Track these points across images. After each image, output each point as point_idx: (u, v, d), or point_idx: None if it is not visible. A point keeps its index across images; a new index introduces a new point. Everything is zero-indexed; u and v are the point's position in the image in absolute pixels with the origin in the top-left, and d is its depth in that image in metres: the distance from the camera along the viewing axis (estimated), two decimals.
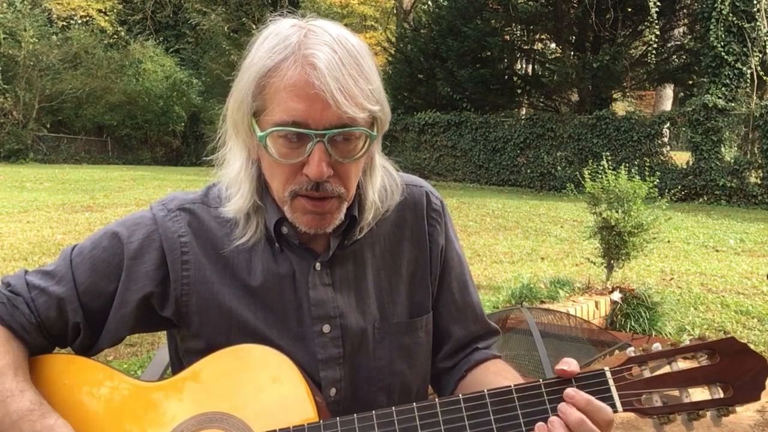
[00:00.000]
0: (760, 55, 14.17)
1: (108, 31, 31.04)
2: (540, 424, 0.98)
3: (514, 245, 8.46)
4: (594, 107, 17.03)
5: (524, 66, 22.64)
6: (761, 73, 14.05)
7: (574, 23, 18.01)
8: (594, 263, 5.76)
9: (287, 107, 1.01)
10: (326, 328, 1.14)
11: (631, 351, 1.02)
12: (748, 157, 14.35)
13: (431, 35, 20.03)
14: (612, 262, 5.52)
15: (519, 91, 20.22)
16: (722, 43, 14.04)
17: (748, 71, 14.13)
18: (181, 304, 1.14)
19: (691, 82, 17.86)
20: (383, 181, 1.19)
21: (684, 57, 17.79)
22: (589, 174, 5.67)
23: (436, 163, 19.13)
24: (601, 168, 5.58)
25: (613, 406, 0.98)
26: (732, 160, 14.27)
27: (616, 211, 5.20)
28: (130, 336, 1.21)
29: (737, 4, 13.92)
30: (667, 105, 20.23)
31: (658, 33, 15.28)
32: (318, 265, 1.15)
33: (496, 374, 1.21)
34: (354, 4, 30.85)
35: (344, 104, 0.99)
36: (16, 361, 1.07)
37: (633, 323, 5.05)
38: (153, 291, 1.13)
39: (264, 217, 1.15)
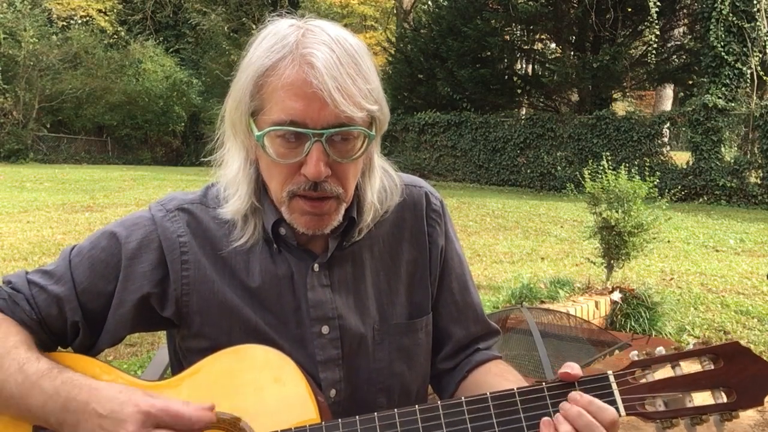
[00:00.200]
0: (760, 55, 14.17)
1: (108, 31, 31.06)
2: (546, 419, 0.98)
3: (514, 245, 8.46)
4: (594, 107, 17.04)
5: (524, 66, 22.65)
6: (761, 73, 14.06)
7: (574, 23, 18.02)
8: (594, 263, 5.76)
9: (285, 106, 1.01)
10: (325, 329, 1.14)
11: (634, 355, 1.01)
12: (748, 157, 14.36)
13: (431, 35, 20.04)
14: (612, 262, 5.52)
15: (519, 91, 20.24)
16: (722, 43, 14.04)
17: (748, 71, 14.13)
18: (181, 304, 1.14)
19: (691, 82, 17.87)
20: (382, 182, 1.19)
21: (684, 57, 17.80)
22: (589, 174, 5.67)
23: (436, 163, 19.13)
24: (601, 168, 5.57)
25: (616, 410, 0.98)
26: (732, 160, 14.27)
27: (616, 211, 5.19)
28: (130, 336, 1.21)
29: (737, 4, 13.92)
30: (667, 105, 20.24)
31: (658, 33, 15.28)
32: (316, 267, 1.15)
33: (498, 375, 1.21)
34: (354, 4, 30.86)
35: (342, 103, 0.99)
36: (27, 340, 1.08)
37: (633, 323, 5.05)
38: (151, 291, 1.13)
39: (262, 218, 1.14)
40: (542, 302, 5.09)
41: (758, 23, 13.99)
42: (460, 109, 18.85)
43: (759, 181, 13.99)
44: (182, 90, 29.67)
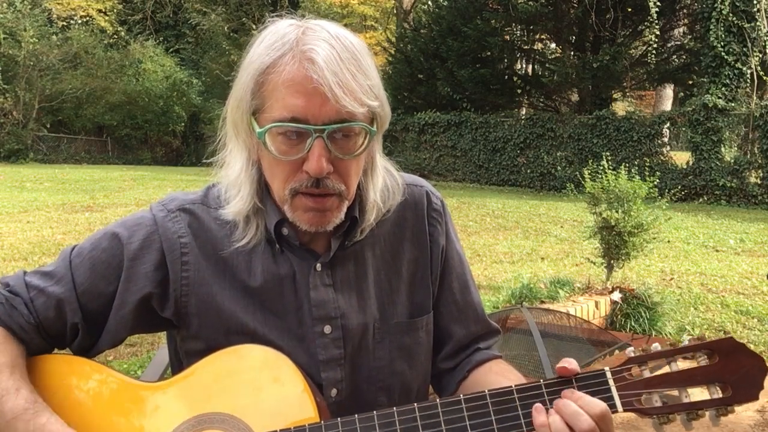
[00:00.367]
0: (760, 55, 14.18)
1: (108, 31, 31.04)
2: (538, 404, 0.99)
3: (514, 245, 8.47)
4: (594, 107, 17.03)
5: (524, 66, 22.65)
6: (761, 73, 14.06)
7: (574, 23, 18.02)
8: (594, 263, 5.76)
9: (286, 103, 1.01)
10: (327, 328, 1.14)
11: (630, 351, 1.02)
12: (748, 157, 14.36)
13: (431, 35, 20.04)
14: (612, 262, 5.52)
15: (519, 91, 20.23)
16: (722, 43, 14.04)
17: (748, 71, 14.13)
18: (180, 304, 1.14)
19: (691, 82, 17.87)
20: (385, 182, 1.19)
21: (684, 57, 17.80)
22: (589, 174, 5.67)
23: (436, 163, 19.13)
24: (601, 168, 5.58)
25: (613, 406, 0.99)
26: (732, 160, 14.27)
27: (616, 211, 5.20)
28: (130, 336, 1.21)
29: (737, 4, 13.92)
30: (667, 105, 20.24)
31: (658, 33, 15.28)
32: (319, 266, 1.15)
33: (498, 375, 1.21)
34: (354, 4, 30.86)
35: (343, 98, 0.99)
36: (14, 360, 1.07)
37: (633, 323, 5.05)
38: (152, 292, 1.13)
39: (264, 219, 1.14)
40: (542, 302, 5.09)
41: (758, 23, 13.99)
42: (460, 109, 18.85)
43: (759, 181, 13.99)
44: (182, 90, 29.65)
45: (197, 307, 1.14)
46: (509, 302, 5.16)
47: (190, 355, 1.15)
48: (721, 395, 0.98)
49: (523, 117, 19.30)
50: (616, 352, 4.05)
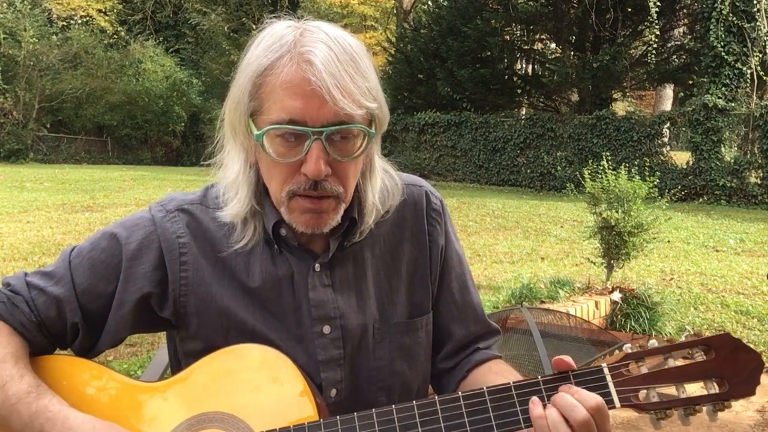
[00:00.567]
0: (760, 55, 14.18)
1: (108, 31, 31.03)
2: (535, 398, 1.00)
3: (514, 245, 8.47)
4: (594, 107, 17.04)
5: (524, 66, 22.65)
6: (761, 73, 14.06)
7: (574, 23, 18.02)
8: (594, 263, 5.76)
9: (284, 105, 1.01)
10: (326, 329, 1.14)
11: (627, 347, 1.03)
12: (748, 157, 14.36)
13: (431, 35, 20.04)
14: (612, 262, 5.53)
15: (519, 91, 20.23)
16: (722, 43, 14.04)
17: (748, 71, 14.14)
18: (179, 305, 1.14)
19: (691, 82, 17.88)
20: (383, 183, 1.19)
21: (684, 57, 17.81)
22: (589, 174, 5.67)
23: (436, 163, 19.13)
24: (601, 168, 5.58)
25: (610, 401, 0.99)
26: (732, 160, 14.28)
27: (616, 211, 5.20)
28: (130, 336, 1.21)
29: (737, 4, 13.92)
30: (667, 105, 20.24)
31: (658, 33, 15.29)
32: (317, 267, 1.15)
33: (498, 375, 1.21)
34: (354, 4, 30.87)
35: (341, 100, 0.99)
36: (18, 351, 1.08)
37: (633, 323, 5.06)
38: (151, 292, 1.13)
39: (262, 220, 1.14)
40: (542, 302, 5.09)
41: (758, 23, 13.99)
42: (460, 109, 18.85)
43: (759, 181, 13.99)
44: (182, 90, 29.64)
45: (196, 307, 1.14)
46: (509, 302, 5.16)
47: (190, 356, 1.15)
48: (717, 390, 0.99)
49: (523, 117, 19.30)
50: (616, 352, 4.05)
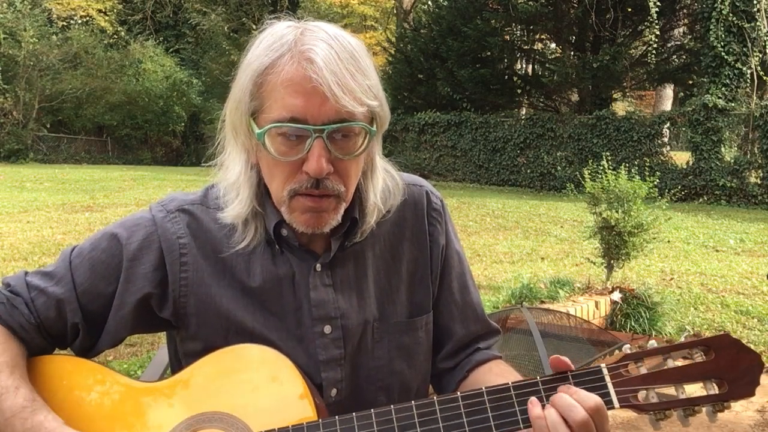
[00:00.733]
0: (760, 55, 14.18)
1: (108, 31, 31.03)
2: (533, 398, 1.00)
3: (514, 245, 8.47)
4: (594, 107, 17.04)
5: (524, 66, 22.65)
6: (761, 73, 14.06)
7: (574, 23, 18.03)
8: (594, 263, 5.76)
9: (285, 103, 1.01)
10: (327, 328, 1.14)
11: (627, 348, 1.02)
12: (748, 157, 14.36)
13: (431, 35, 20.04)
14: (612, 262, 5.53)
15: (519, 91, 20.24)
16: (722, 43, 14.04)
17: (748, 71, 14.14)
18: (179, 305, 1.14)
19: (691, 82, 17.88)
20: (385, 183, 1.18)
21: (684, 57, 17.81)
22: (589, 174, 5.67)
23: (436, 163, 19.13)
24: (601, 168, 5.58)
25: (609, 402, 0.99)
26: (732, 160, 14.28)
27: (616, 211, 5.20)
28: (130, 336, 1.21)
29: (737, 4, 13.92)
30: (667, 105, 20.24)
31: (658, 33, 15.29)
32: (318, 266, 1.15)
33: (498, 375, 1.21)
34: (354, 4, 30.88)
35: (342, 98, 0.99)
36: (14, 359, 1.07)
37: (633, 323, 5.06)
38: (152, 292, 1.13)
39: (263, 221, 1.14)
40: (542, 302, 5.09)
41: (758, 23, 13.99)
42: (460, 109, 18.85)
43: (759, 181, 13.99)
44: (182, 90, 29.64)
45: (196, 308, 1.14)
46: (509, 302, 5.17)
47: (190, 356, 1.15)
48: (717, 391, 0.99)
49: (523, 117, 19.31)
50: (616, 352, 4.05)
